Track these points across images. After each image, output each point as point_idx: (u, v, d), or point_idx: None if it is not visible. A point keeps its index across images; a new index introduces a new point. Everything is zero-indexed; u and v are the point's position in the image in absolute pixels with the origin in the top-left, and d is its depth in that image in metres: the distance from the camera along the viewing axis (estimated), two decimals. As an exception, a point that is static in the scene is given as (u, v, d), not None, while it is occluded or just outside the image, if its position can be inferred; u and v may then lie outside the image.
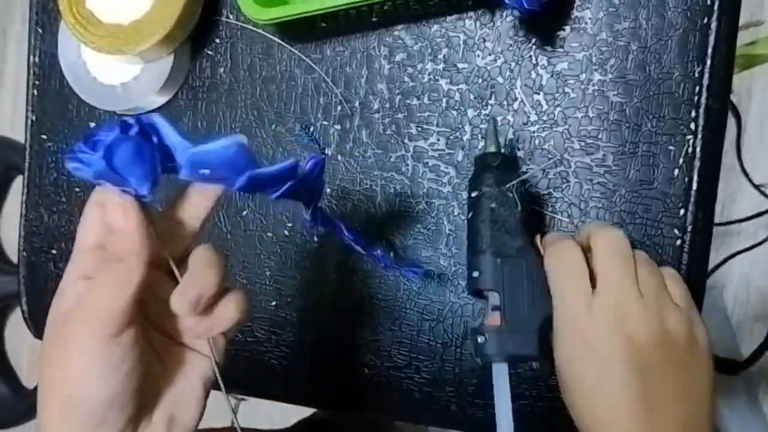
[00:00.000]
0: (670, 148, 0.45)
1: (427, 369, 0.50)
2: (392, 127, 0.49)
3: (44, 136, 0.57)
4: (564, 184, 0.46)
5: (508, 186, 0.42)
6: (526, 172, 0.46)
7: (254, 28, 0.52)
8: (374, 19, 0.49)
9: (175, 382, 0.35)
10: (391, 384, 0.50)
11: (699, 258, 0.45)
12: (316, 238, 0.52)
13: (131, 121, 0.29)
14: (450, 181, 0.48)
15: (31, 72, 0.57)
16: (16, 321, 1.50)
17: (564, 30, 0.46)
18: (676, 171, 0.45)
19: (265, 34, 0.51)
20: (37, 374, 0.34)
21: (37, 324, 0.59)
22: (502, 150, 0.44)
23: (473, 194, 0.43)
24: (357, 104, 0.50)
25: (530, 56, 0.47)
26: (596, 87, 0.46)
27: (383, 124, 0.50)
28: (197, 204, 0.34)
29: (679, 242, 0.45)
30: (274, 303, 0.53)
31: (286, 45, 0.51)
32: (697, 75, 0.44)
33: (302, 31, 0.51)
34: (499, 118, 0.47)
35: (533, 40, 0.47)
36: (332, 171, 0.51)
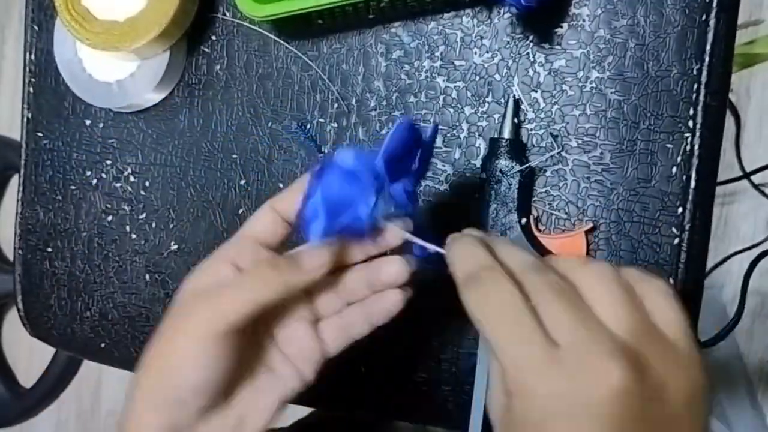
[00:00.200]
0: (668, 146, 0.44)
1: (424, 368, 0.49)
2: (389, 125, 0.49)
3: (40, 134, 0.57)
4: (561, 182, 0.46)
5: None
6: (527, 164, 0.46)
7: (250, 25, 0.51)
8: (371, 16, 0.49)
9: (258, 388, 0.36)
10: (388, 383, 0.50)
11: (697, 257, 0.45)
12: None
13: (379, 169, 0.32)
14: (447, 179, 0.48)
15: (27, 69, 0.57)
16: (13, 320, 1.50)
17: (561, 27, 0.46)
18: (674, 169, 0.44)
19: (262, 31, 0.51)
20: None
21: (32, 323, 0.59)
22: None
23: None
24: (354, 102, 0.50)
25: (527, 53, 0.47)
26: (594, 84, 0.45)
27: (380, 121, 0.49)
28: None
29: (677, 241, 0.44)
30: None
31: (282, 42, 0.51)
32: (695, 72, 0.44)
33: (299, 28, 0.50)
34: (495, 116, 0.47)
35: (531, 37, 0.46)
36: (329, 169, 0.50)
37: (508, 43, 0.47)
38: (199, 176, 0.53)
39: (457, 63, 0.48)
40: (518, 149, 0.45)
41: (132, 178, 0.55)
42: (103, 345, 0.57)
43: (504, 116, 0.46)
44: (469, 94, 0.48)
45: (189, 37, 0.52)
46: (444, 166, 0.48)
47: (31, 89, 0.57)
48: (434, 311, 0.49)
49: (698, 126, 0.44)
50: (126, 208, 0.55)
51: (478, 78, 0.47)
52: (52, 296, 0.58)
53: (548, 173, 0.46)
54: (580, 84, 0.46)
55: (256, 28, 0.51)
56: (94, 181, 0.56)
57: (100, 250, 0.56)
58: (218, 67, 0.53)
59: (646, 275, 0.30)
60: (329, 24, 0.49)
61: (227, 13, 0.52)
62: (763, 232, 1.14)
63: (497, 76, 0.47)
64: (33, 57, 0.57)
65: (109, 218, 0.56)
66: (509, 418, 0.28)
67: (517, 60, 0.47)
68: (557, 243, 0.45)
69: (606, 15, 0.45)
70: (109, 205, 0.56)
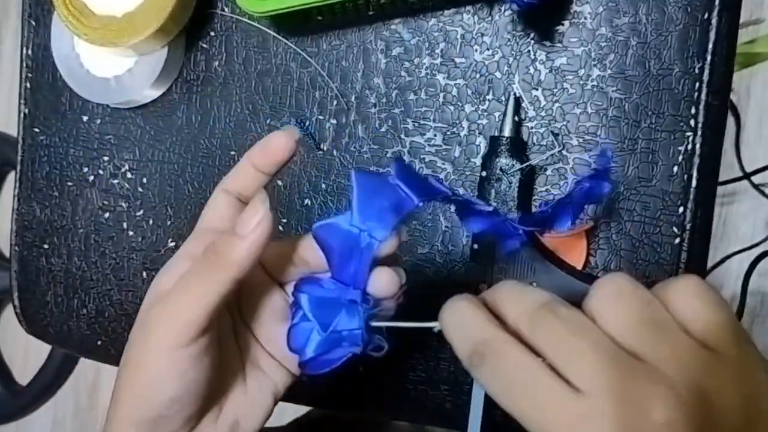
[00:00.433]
0: (670, 145, 0.44)
1: (423, 367, 0.49)
2: (388, 123, 0.49)
3: (37, 130, 0.57)
4: (562, 180, 0.46)
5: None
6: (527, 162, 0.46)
7: (249, 21, 0.51)
8: (371, 13, 0.48)
9: (249, 388, 0.35)
10: (386, 382, 0.50)
11: (698, 257, 0.45)
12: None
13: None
14: (447, 177, 0.48)
15: (24, 65, 0.57)
16: (9, 317, 1.49)
17: (563, 25, 0.46)
18: (676, 168, 0.44)
19: (261, 27, 0.51)
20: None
21: (29, 320, 0.59)
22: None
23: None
24: (353, 99, 0.50)
25: (528, 51, 0.46)
26: (595, 83, 0.45)
27: (379, 119, 0.49)
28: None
29: (677, 240, 0.44)
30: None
31: (281, 38, 0.51)
32: (697, 71, 0.43)
33: (298, 24, 0.50)
34: (496, 114, 0.47)
35: (532, 35, 0.46)
36: (327, 166, 0.50)
37: (509, 40, 0.47)
38: (197, 173, 0.53)
39: (457, 60, 0.48)
40: (519, 147, 0.45)
41: (129, 175, 0.55)
42: (99, 342, 0.57)
43: (504, 114, 0.45)
44: (469, 92, 0.47)
45: (187, 32, 0.52)
46: (444, 164, 0.48)
47: (28, 85, 0.57)
48: (433, 310, 0.48)
49: (700, 125, 0.43)
50: (123, 204, 0.55)
51: (478, 75, 0.47)
52: (49, 293, 0.57)
53: (549, 172, 0.46)
54: (581, 82, 0.45)
55: (255, 24, 0.51)
56: (91, 178, 0.55)
57: (96, 247, 0.56)
58: (217, 63, 0.52)
59: (670, 280, 0.27)
60: (329, 20, 0.49)
61: (226, 9, 0.52)
62: (762, 233, 1.14)
63: (498, 74, 0.47)
64: (30, 52, 0.56)
65: (106, 215, 0.55)
66: None
67: (518, 57, 0.46)
68: (557, 242, 0.44)
69: (607, 13, 0.45)
70: (106, 202, 0.55)
